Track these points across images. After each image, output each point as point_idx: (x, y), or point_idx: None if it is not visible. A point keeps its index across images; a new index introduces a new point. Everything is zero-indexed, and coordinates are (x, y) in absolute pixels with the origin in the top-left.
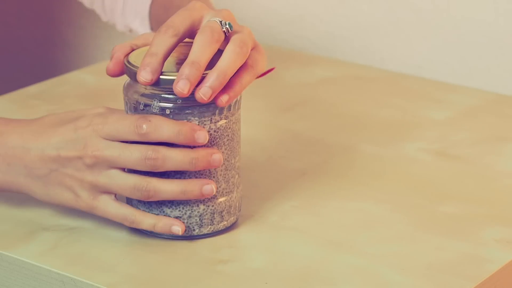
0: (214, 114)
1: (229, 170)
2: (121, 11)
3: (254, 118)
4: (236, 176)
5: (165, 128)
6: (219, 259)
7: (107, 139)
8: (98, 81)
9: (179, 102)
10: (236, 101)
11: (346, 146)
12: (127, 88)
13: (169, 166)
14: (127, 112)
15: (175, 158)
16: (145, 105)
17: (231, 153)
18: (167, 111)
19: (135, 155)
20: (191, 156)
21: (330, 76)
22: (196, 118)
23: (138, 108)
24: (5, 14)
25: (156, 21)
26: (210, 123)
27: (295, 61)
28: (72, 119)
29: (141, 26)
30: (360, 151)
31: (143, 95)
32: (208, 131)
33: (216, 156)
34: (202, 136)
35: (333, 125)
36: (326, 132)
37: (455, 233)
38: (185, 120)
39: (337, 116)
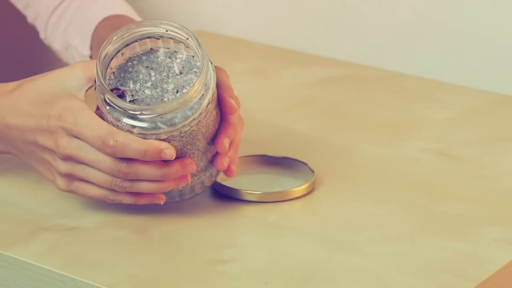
0: (185, 118)
1: (208, 152)
2: (64, 29)
3: (254, 118)
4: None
5: (132, 148)
6: (219, 259)
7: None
8: None
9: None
10: (205, 97)
11: (346, 146)
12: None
13: (141, 178)
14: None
15: (147, 174)
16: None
17: (209, 135)
18: (135, 131)
19: (108, 165)
20: (164, 172)
21: (330, 76)
22: (165, 127)
23: (103, 106)
24: (5, 14)
25: (100, 39)
26: (182, 126)
27: (295, 61)
28: (47, 100)
29: (81, 43)
30: (360, 151)
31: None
32: (180, 133)
33: (190, 165)
34: (168, 154)
35: (334, 125)
36: (326, 132)
37: (455, 233)
38: (154, 131)
39: (337, 116)
